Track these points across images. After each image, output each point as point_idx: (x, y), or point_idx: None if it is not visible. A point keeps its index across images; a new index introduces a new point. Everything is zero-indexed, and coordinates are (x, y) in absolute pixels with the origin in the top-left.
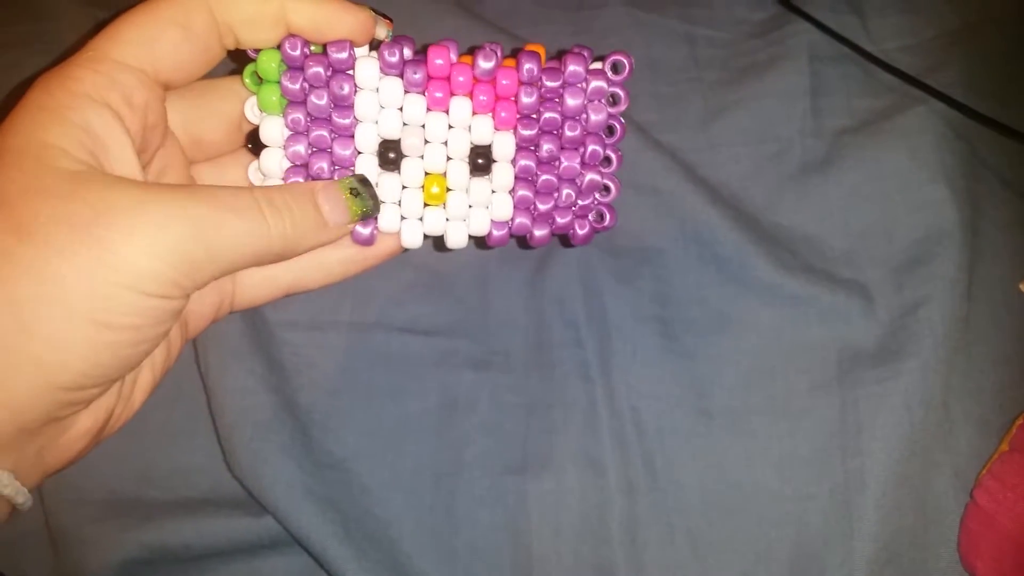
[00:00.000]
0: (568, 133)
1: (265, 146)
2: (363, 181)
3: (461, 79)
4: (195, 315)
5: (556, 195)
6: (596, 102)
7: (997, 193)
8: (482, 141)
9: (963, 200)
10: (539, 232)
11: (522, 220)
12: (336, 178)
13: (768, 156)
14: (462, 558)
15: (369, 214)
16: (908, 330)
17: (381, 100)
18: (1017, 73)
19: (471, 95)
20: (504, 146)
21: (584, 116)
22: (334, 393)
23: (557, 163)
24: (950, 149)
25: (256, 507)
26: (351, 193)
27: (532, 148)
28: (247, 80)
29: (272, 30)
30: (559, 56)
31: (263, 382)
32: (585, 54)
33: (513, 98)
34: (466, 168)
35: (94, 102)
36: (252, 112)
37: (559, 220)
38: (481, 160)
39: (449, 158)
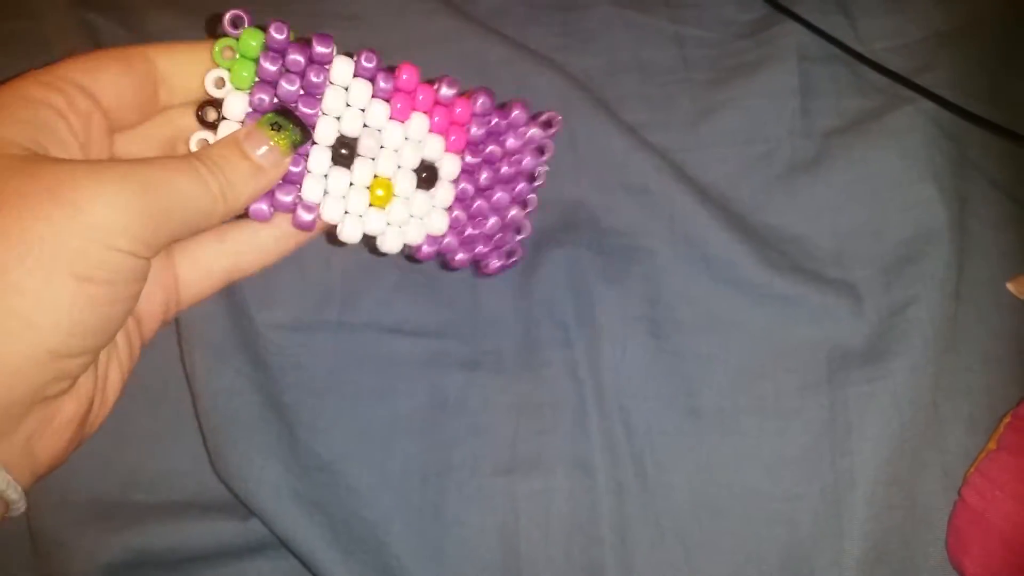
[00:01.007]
0: (504, 169)
1: (222, 119)
2: (281, 112)
3: (422, 98)
4: (146, 315)
5: (484, 223)
6: (531, 148)
7: (986, 192)
8: (431, 158)
9: (951, 199)
10: (461, 255)
11: (451, 240)
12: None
13: (757, 156)
14: (451, 560)
15: (299, 142)
16: (897, 329)
17: (349, 99)
18: (1005, 74)
19: (429, 114)
20: (450, 166)
21: (519, 158)
22: (321, 394)
23: (490, 193)
24: (939, 149)
25: (242, 510)
26: (273, 128)
27: (472, 174)
28: (216, 52)
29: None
30: (502, 105)
31: (249, 383)
32: (527, 106)
33: (465, 127)
34: (413, 180)
35: (39, 102)
36: (212, 85)
37: (480, 248)
38: (427, 175)
39: (399, 167)
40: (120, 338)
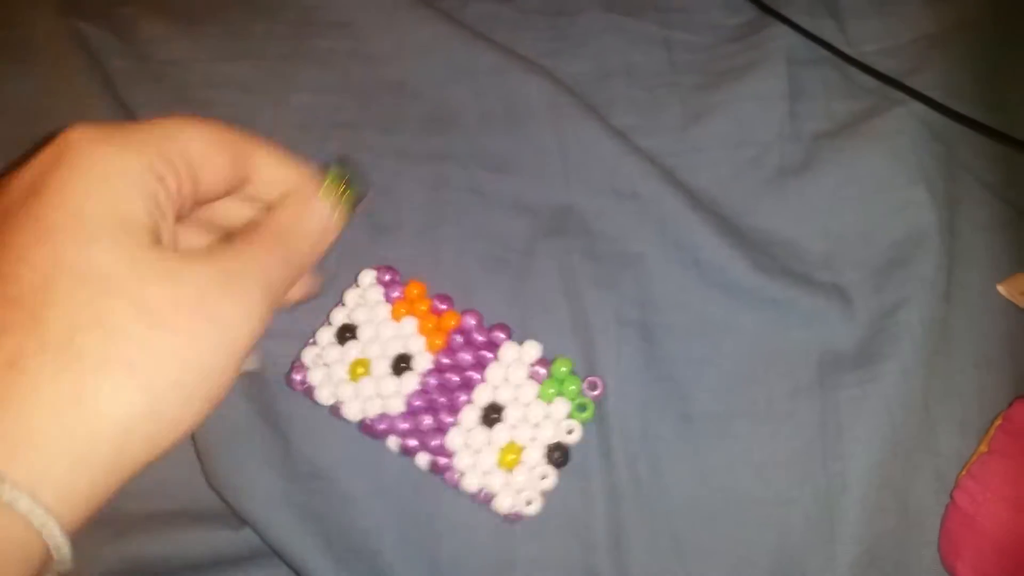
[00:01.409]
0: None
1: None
2: (342, 163)
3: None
4: None
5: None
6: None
7: (975, 194)
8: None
9: (941, 202)
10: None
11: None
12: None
13: (747, 160)
14: (445, 568)
15: (362, 196)
16: (887, 332)
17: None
18: (994, 76)
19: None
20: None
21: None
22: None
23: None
24: (928, 151)
25: (235, 519)
26: (338, 182)
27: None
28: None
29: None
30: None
31: (240, 391)
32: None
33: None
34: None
35: (159, 177)
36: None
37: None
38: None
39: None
40: None
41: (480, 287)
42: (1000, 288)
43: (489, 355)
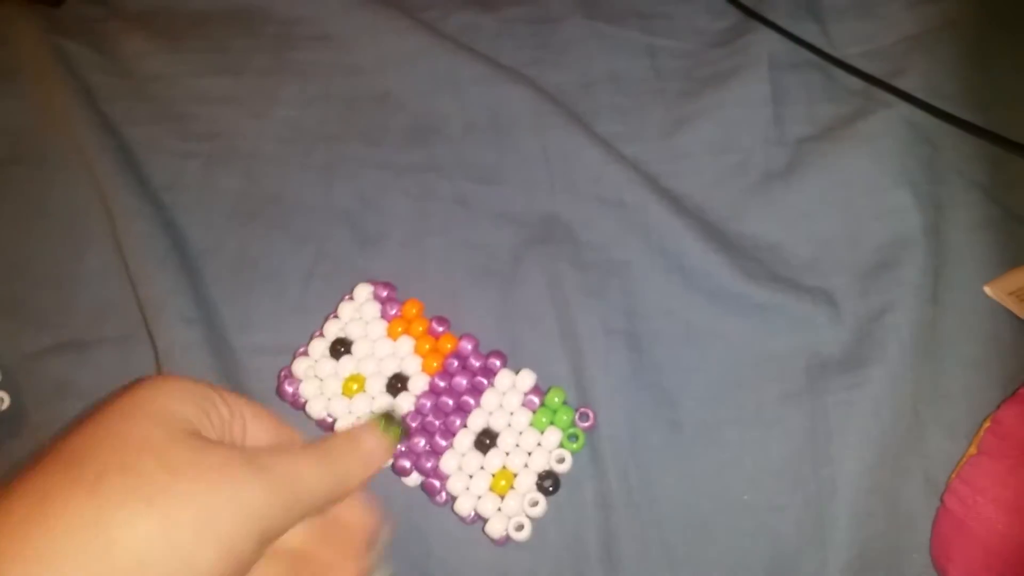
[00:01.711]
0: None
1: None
2: (388, 414)
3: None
4: None
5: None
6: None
7: (961, 196)
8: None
9: (927, 204)
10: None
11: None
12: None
13: (731, 165)
14: None
15: (405, 435)
16: (875, 336)
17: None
18: (977, 76)
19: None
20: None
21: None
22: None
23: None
24: (913, 153)
25: None
26: (385, 423)
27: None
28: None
29: None
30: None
31: None
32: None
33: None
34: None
35: (210, 403)
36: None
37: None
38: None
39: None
40: None
41: (467, 297)
42: (987, 289)
43: (484, 381)
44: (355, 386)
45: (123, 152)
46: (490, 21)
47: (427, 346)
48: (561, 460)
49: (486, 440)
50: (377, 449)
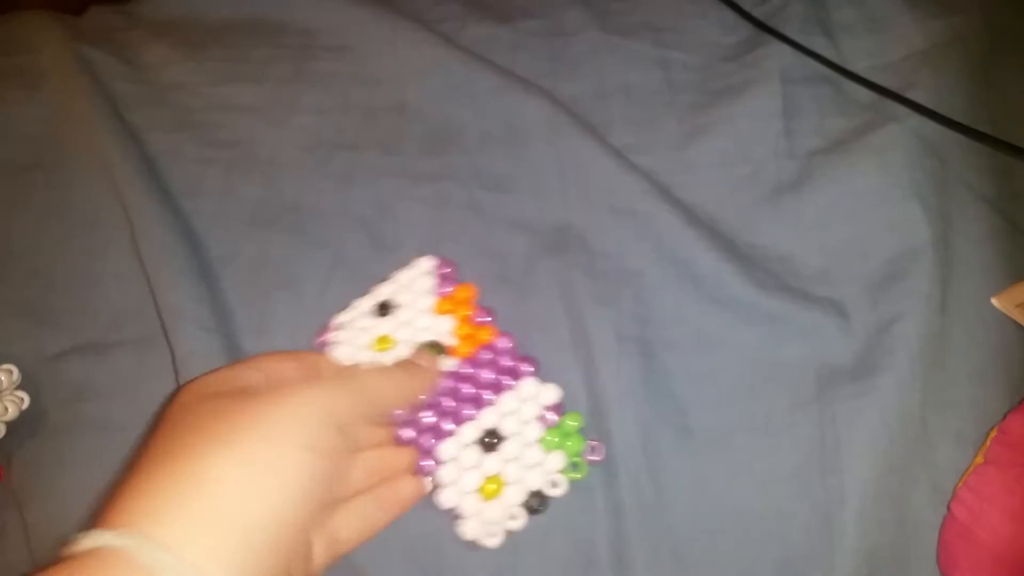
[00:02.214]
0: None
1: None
2: (434, 343)
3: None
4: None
5: (437, 417)
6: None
7: (970, 208)
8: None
9: (935, 216)
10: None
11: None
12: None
13: (743, 177)
14: None
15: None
16: (884, 346)
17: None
18: (985, 90)
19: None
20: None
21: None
22: None
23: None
24: (922, 166)
25: None
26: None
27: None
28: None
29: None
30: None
31: None
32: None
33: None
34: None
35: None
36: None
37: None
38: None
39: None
40: None
41: (480, 304)
42: (995, 301)
43: (509, 381)
44: (384, 344)
45: (144, 159)
46: (505, 33)
47: (466, 331)
48: (556, 485)
49: (491, 440)
50: (428, 368)
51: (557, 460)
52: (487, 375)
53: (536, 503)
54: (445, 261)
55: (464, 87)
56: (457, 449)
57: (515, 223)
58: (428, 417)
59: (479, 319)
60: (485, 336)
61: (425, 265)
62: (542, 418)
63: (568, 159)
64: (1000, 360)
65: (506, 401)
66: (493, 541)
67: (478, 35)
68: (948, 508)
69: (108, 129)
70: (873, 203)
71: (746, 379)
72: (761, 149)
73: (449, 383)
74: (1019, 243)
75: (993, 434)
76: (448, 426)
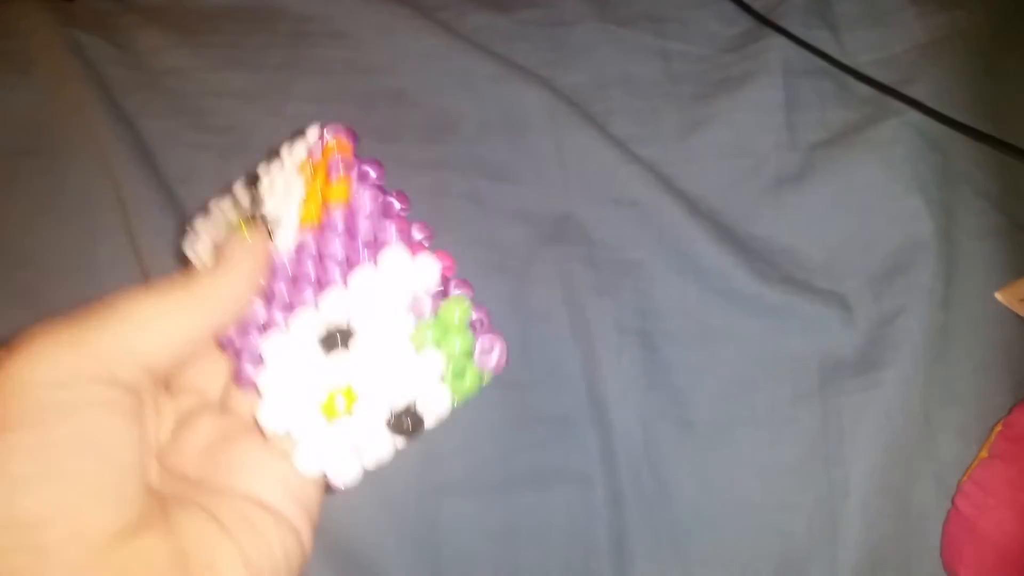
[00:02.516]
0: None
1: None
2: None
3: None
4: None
5: (265, 307)
6: None
7: (972, 203)
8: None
9: (938, 211)
10: None
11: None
12: None
13: (745, 169)
14: (448, 575)
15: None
16: (887, 339)
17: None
18: (985, 84)
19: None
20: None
21: None
22: None
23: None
24: (924, 160)
25: None
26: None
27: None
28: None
29: None
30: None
31: None
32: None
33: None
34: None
35: None
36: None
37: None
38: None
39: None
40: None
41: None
42: (998, 295)
43: (365, 256)
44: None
45: (138, 144)
46: (505, 22)
47: (317, 187)
48: (435, 399)
49: (337, 338)
50: (244, 257)
51: (434, 364)
52: (337, 247)
53: (408, 423)
54: (345, 131)
55: (463, 75)
56: (286, 347)
57: (515, 213)
58: (255, 309)
59: (334, 172)
60: (338, 195)
61: (313, 135)
62: (414, 306)
63: (568, 149)
64: (1003, 354)
65: (358, 282)
66: (345, 476)
67: (477, 23)
68: (952, 502)
69: (101, 114)
70: (875, 196)
71: (748, 371)
72: (763, 141)
73: (286, 264)
74: (1021, 238)
75: (998, 428)
76: (279, 315)
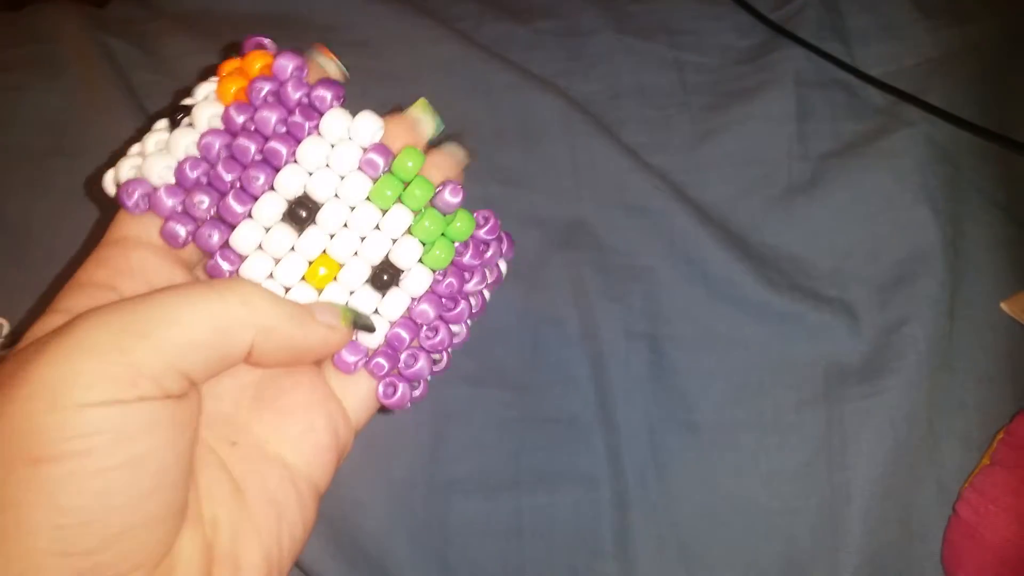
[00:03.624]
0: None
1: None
2: (358, 313)
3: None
4: (312, 457)
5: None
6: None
7: (981, 214)
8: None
9: (946, 221)
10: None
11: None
12: None
13: (755, 178)
14: (454, 573)
15: (361, 326)
16: (892, 347)
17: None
18: (996, 99)
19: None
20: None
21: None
22: None
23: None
24: (933, 171)
25: None
26: (351, 318)
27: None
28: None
29: None
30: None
31: None
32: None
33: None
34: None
35: (79, 284)
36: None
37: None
38: (386, 277)
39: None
40: (256, 503)
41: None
42: (1003, 306)
43: (307, 123)
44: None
45: None
46: (522, 33)
47: (233, 67)
48: (405, 251)
49: (302, 212)
50: (332, 330)
51: (399, 217)
52: (269, 118)
53: (387, 278)
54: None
55: (480, 84)
56: (258, 234)
57: (527, 218)
58: (204, 202)
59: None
60: (257, 64)
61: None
62: (366, 164)
63: (582, 156)
64: (1007, 365)
65: (308, 153)
66: (373, 337)
67: (495, 34)
68: (953, 508)
69: (129, 118)
70: (884, 206)
71: (754, 377)
72: (774, 151)
73: (219, 141)
74: None
75: (1000, 436)
76: (237, 208)
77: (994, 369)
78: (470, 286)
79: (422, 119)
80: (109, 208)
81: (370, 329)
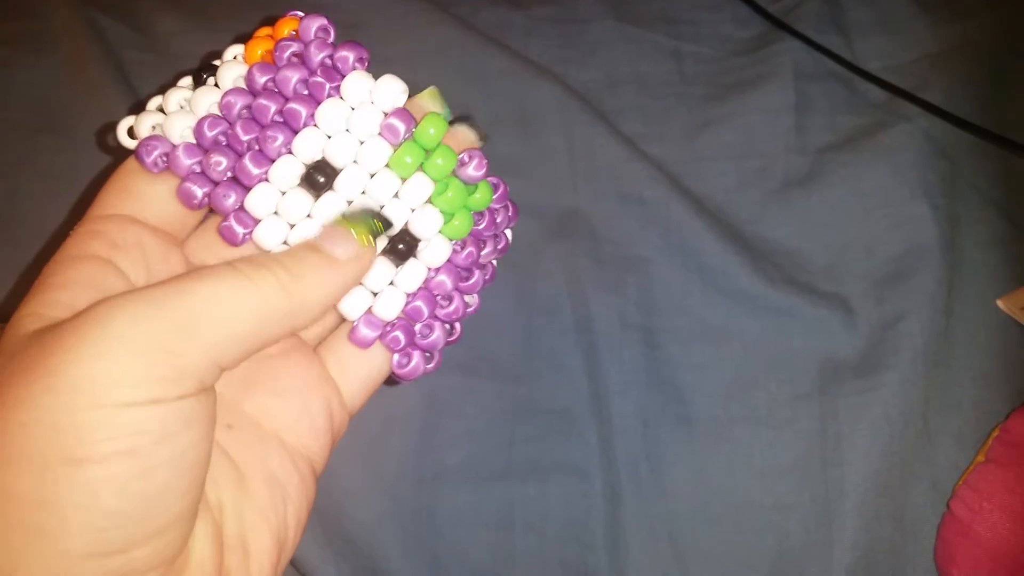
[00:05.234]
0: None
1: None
2: (367, 217)
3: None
4: (310, 439)
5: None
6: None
7: (978, 210)
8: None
9: (943, 217)
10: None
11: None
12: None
13: (752, 171)
14: (444, 564)
15: (379, 231)
16: (888, 343)
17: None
18: (994, 95)
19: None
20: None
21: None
22: None
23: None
24: (931, 167)
25: None
26: (347, 220)
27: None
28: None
29: None
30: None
31: None
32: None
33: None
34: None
35: (77, 258)
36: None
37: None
38: (403, 246)
39: None
40: (259, 484)
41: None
42: (1000, 303)
43: (327, 84)
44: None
45: None
46: (520, 19)
47: (264, 34)
48: (425, 221)
49: (319, 177)
50: (341, 247)
51: (420, 186)
52: (291, 78)
53: (403, 248)
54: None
55: (476, 69)
56: (273, 198)
57: (522, 207)
58: (221, 163)
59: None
60: (285, 29)
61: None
62: (387, 130)
63: (579, 145)
64: (1003, 362)
65: (327, 116)
66: (356, 307)
67: (492, 19)
68: (947, 505)
69: (118, 96)
70: (881, 201)
71: (748, 371)
72: (771, 143)
73: (240, 101)
74: None
75: (995, 433)
76: (254, 170)
77: (990, 366)
78: (483, 255)
79: (432, 108)
80: (121, 157)
81: (389, 225)
